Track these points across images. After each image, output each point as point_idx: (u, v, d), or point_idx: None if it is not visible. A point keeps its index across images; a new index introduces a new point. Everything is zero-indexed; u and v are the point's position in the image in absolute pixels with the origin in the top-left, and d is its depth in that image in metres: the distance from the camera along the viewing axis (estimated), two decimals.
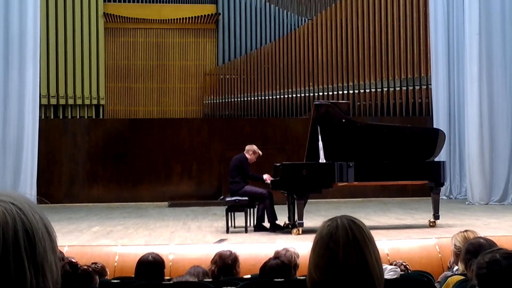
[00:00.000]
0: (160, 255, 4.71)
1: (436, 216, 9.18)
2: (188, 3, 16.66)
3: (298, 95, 16.42)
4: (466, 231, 4.33)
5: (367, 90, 16.47)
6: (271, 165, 9.56)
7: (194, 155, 15.87)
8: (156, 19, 16.53)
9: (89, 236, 8.73)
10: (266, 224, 9.10)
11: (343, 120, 9.09)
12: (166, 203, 14.78)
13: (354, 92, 16.45)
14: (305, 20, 16.93)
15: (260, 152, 9.47)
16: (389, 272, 4.21)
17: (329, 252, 1.72)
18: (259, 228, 9.07)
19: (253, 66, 16.56)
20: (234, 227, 9.25)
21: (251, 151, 9.39)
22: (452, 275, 3.77)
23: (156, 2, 16.58)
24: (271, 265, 4.09)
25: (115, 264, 6.69)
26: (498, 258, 2.29)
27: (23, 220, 1.06)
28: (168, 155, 15.82)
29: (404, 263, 5.09)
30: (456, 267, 4.13)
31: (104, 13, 16.27)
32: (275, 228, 8.97)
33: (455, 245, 4.20)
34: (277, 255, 4.42)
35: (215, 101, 16.44)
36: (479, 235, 4.14)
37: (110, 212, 12.92)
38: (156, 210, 13.46)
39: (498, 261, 2.28)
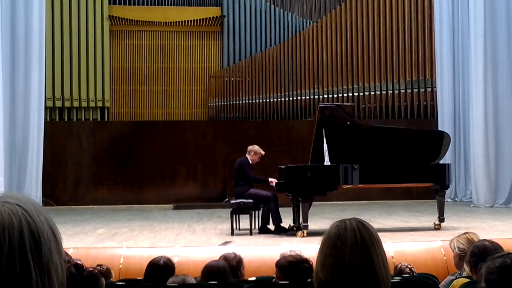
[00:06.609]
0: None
1: (441, 219, 9.16)
2: (193, 6, 16.69)
3: (303, 97, 16.43)
4: (467, 233, 4.32)
5: (372, 93, 16.45)
6: (276, 167, 9.56)
7: (199, 157, 15.88)
8: (161, 22, 16.56)
9: (94, 238, 8.74)
10: (271, 226, 9.09)
11: (348, 123, 9.08)
12: (171, 205, 14.80)
13: (359, 94, 16.44)
14: (310, 22, 16.94)
15: (263, 152, 9.43)
16: None
17: (336, 252, 1.73)
18: (263, 230, 9.07)
19: (258, 68, 16.57)
20: (239, 229, 9.24)
21: (252, 152, 9.38)
22: (457, 278, 3.76)
23: (161, 5, 16.61)
24: (305, 268, 3.84)
25: (120, 266, 6.69)
26: (509, 264, 2.27)
27: (29, 222, 1.06)
28: (173, 157, 15.83)
29: (409, 266, 5.08)
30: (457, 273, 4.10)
31: (109, 15, 16.31)
32: (280, 231, 8.96)
33: (458, 247, 4.18)
34: (305, 259, 4.10)
35: (220, 103, 16.45)
36: (481, 238, 4.13)
37: (115, 214, 12.94)
38: (161, 212, 13.47)
39: (509, 266, 2.27)
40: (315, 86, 16.51)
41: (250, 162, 9.30)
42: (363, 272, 1.70)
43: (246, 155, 9.39)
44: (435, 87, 15.89)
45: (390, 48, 16.59)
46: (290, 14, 16.96)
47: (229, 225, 9.11)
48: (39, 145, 13.91)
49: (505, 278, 2.26)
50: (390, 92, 16.42)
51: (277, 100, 16.40)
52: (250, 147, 9.47)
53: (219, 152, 15.71)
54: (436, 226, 9.16)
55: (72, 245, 7.30)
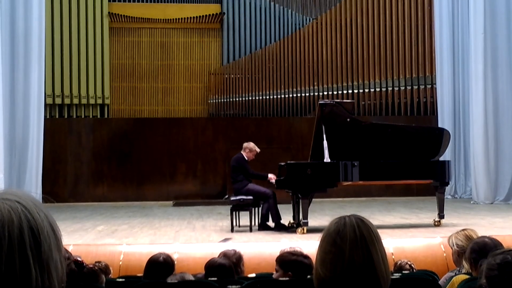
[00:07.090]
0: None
1: (441, 216, 9.17)
2: (193, 3, 16.68)
3: (303, 94, 16.42)
4: (465, 229, 4.32)
5: (372, 90, 16.45)
6: (276, 164, 9.55)
7: (198, 154, 15.88)
8: (160, 19, 16.55)
9: (94, 235, 8.74)
10: (271, 223, 9.10)
11: (348, 120, 9.08)
12: (171, 202, 14.80)
13: (358, 91, 16.44)
14: (309, 19, 16.92)
15: (258, 149, 9.42)
16: None
17: (335, 248, 1.73)
18: (263, 227, 9.06)
19: (257, 65, 16.56)
20: (239, 226, 9.24)
21: (247, 148, 9.36)
22: (456, 275, 3.76)
23: (161, 2, 16.60)
24: (305, 264, 3.84)
25: (120, 263, 6.69)
26: (509, 260, 2.27)
27: (28, 218, 1.06)
28: (173, 154, 15.84)
29: (409, 262, 5.08)
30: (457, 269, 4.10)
31: (109, 12, 16.30)
32: (280, 228, 8.96)
33: (457, 244, 4.18)
34: (305, 255, 4.11)
35: (219, 100, 16.44)
36: (480, 234, 4.13)
37: (115, 211, 12.94)
38: (161, 209, 13.46)
39: (509, 263, 2.27)
40: (315, 83, 16.50)
41: (246, 158, 9.30)
42: (362, 269, 1.71)
43: (242, 151, 9.38)
44: (435, 84, 15.90)
45: (390, 45, 16.59)
46: (289, 11, 16.95)
47: (229, 222, 9.11)
48: (39, 142, 13.91)
49: (506, 274, 2.26)
50: (390, 89, 16.42)
51: (277, 97, 16.40)
52: (245, 144, 9.46)
53: (219, 149, 15.71)
54: (436, 223, 9.16)
55: (72, 242, 7.30)
